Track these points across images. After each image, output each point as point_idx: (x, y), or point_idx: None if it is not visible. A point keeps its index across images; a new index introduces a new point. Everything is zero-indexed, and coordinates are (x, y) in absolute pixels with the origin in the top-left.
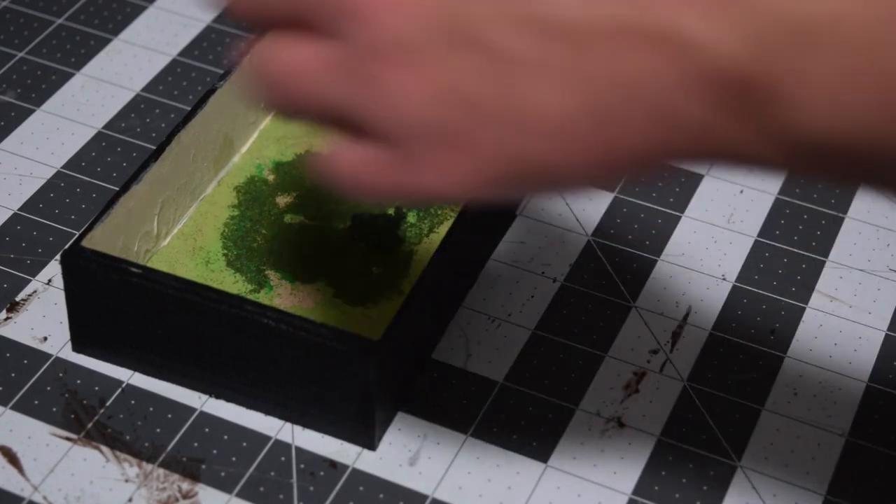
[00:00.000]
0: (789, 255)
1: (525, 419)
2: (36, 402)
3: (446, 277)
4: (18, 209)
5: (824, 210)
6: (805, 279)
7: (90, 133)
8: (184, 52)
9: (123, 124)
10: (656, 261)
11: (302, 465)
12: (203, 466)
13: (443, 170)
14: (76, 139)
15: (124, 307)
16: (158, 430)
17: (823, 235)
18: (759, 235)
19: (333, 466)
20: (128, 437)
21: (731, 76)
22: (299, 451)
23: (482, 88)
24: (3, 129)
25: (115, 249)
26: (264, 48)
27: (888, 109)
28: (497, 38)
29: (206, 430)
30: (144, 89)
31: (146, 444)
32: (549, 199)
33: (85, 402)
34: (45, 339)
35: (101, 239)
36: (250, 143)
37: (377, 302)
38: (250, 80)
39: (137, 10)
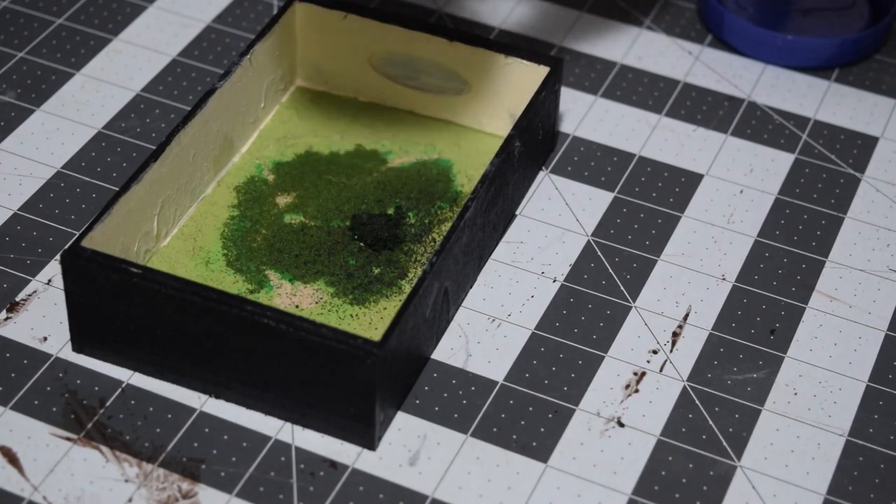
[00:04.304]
0: (789, 255)
1: (525, 419)
2: (36, 402)
3: (446, 277)
4: (18, 209)
5: (824, 210)
6: (805, 279)
7: (90, 133)
8: (184, 52)
9: (123, 124)
10: (656, 261)
11: (302, 465)
12: (203, 466)
13: None
14: (76, 139)
15: (124, 307)
16: (158, 430)
17: (823, 235)
18: (759, 235)
19: (333, 466)
20: (128, 437)
21: None
22: (299, 451)
23: None
24: (3, 129)
25: (115, 249)
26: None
27: None
28: None
29: (206, 430)
30: (144, 89)
31: (146, 444)
32: (548, 199)
33: (85, 402)
34: (45, 339)
35: (101, 239)
36: (250, 143)
37: (377, 302)
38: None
39: (137, 10)
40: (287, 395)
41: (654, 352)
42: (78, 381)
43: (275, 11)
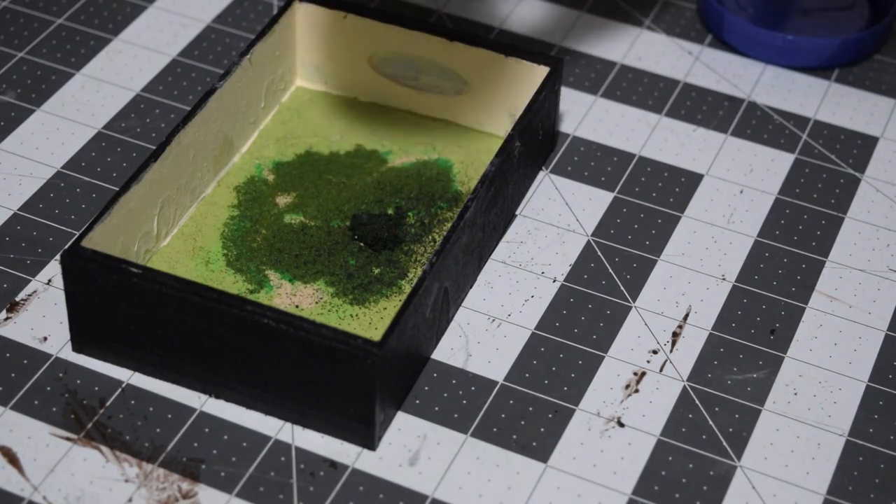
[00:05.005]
0: (789, 255)
1: (525, 419)
2: (36, 402)
3: (446, 277)
4: (18, 209)
5: (824, 210)
6: (805, 279)
7: (90, 133)
8: (184, 52)
9: (123, 124)
10: (656, 261)
11: (302, 465)
12: (203, 466)
13: None
14: (76, 139)
15: (124, 307)
16: (158, 430)
17: (823, 235)
18: (759, 235)
19: (333, 466)
20: (128, 437)
21: None
22: (299, 451)
23: None
24: (3, 129)
25: (115, 249)
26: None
27: None
28: None
29: (206, 430)
30: (144, 89)
31: (146, 444)
32: (548, 199)
33: (85, 402)
34: (45, 339)
35: (101, 239)
36: (250, 143)
37: (377, 302)
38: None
39: (137, 10)
40: (287, 395)
41: (654, 352)
42: (78, 381)
43: (275, 11)
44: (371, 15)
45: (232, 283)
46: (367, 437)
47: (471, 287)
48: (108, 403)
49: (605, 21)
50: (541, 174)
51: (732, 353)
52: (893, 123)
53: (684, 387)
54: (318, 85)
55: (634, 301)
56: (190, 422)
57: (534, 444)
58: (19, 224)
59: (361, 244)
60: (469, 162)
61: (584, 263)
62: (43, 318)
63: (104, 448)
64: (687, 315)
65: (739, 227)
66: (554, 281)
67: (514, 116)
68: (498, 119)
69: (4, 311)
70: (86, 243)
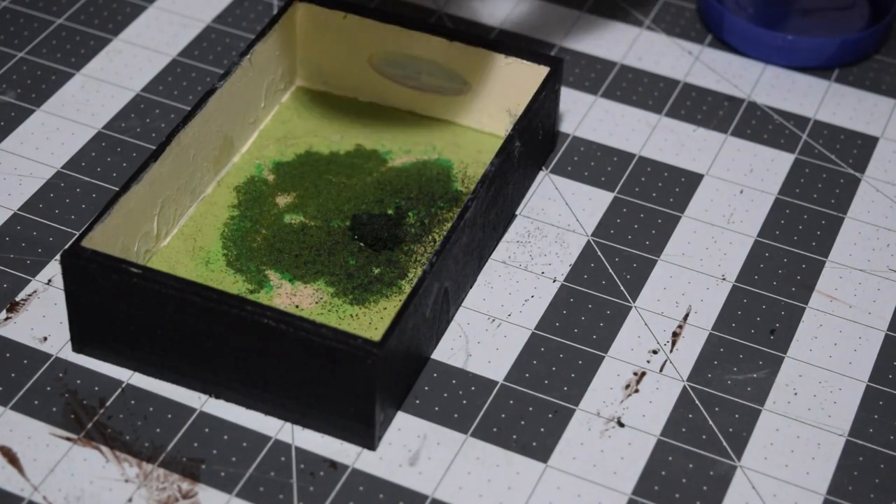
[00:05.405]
0: (789, 255)
1: (525, 419)
2: (36, 402)
3: (446, 277)
4: (18, 209)
5: (824, 210)
6: (805, 279)
7: (90, 133)
8: (184, 52)
9: (123, 124)
10: (656, 261)
11: (302, 465)
12: (203, 466)
13: None
14: (76, 139)
15: (124, 307)
16: (158, 430)
17: (823, 235)
18: (759, 235)
19: (333, 466)
20: (128, 437)
21: None
22: (299, 451)
23: None
24: (3, 129)
25: (115, 249)
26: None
27: None
28: None
29: (206, 430)
30: (144, 89)
31: (146, 444)
32: (548, 199)
33: (85, 402)
34: (45, 339)
35: (101, 239)
36: (250, 143)
37: (377, 302)
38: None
39: (137, 10)
40: (287, 395)
41: (654, 352)
42: (78, 381)
43: (275, 11)
44: (371, 15)
45: (232, 283)
46: (367, 437)
47: (471, 287)
48: (108, 403)
49: (605, 21)
50: (541, 174)
51: (732, 353)
52: (893, 123)
53: (684, 387)
54: (318, 85)
55: (634, 301)
56: (190, 422)
57: (534, 444)
58: (19, 224)
59: (361, 244)
60: (469, 162)
61: (584, 263)
62: (43, 318)
63: (104, 448)
64: (687, 315)
65: (739, 227)
66: (554, 281)
67: (514, 116)
68: (498, 119)
69: (4, 311)
70: (86, 243)
